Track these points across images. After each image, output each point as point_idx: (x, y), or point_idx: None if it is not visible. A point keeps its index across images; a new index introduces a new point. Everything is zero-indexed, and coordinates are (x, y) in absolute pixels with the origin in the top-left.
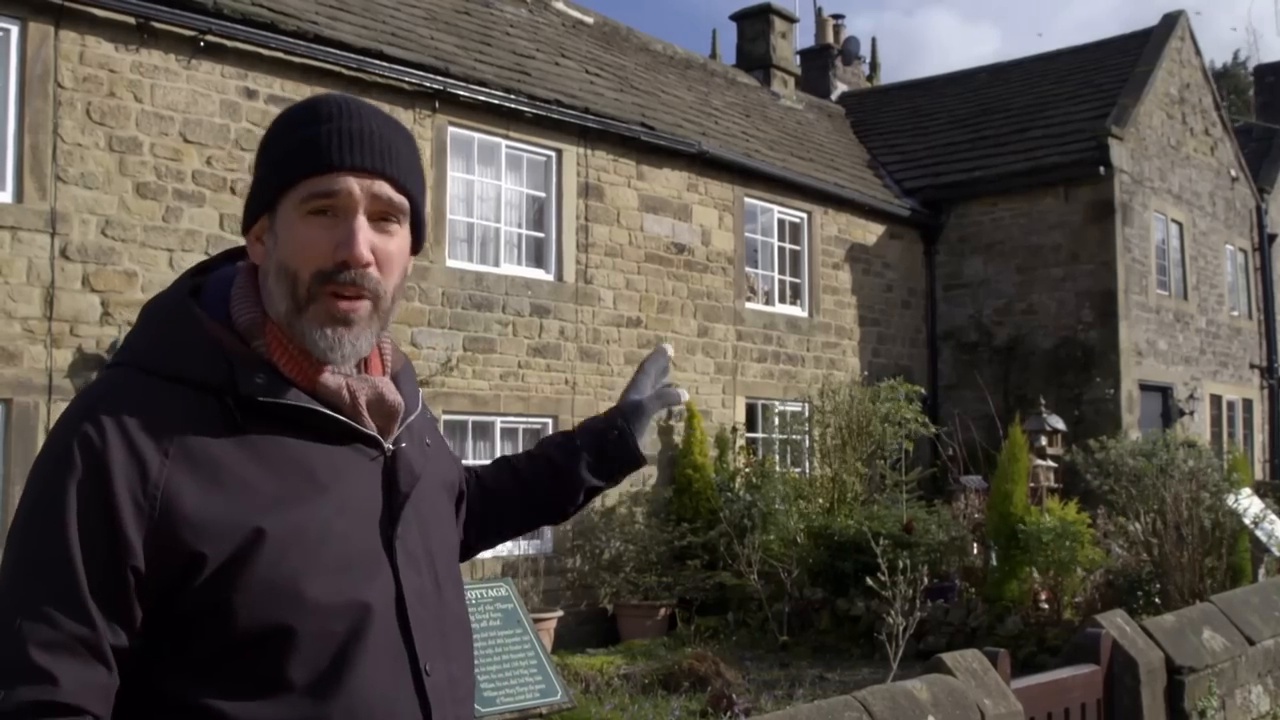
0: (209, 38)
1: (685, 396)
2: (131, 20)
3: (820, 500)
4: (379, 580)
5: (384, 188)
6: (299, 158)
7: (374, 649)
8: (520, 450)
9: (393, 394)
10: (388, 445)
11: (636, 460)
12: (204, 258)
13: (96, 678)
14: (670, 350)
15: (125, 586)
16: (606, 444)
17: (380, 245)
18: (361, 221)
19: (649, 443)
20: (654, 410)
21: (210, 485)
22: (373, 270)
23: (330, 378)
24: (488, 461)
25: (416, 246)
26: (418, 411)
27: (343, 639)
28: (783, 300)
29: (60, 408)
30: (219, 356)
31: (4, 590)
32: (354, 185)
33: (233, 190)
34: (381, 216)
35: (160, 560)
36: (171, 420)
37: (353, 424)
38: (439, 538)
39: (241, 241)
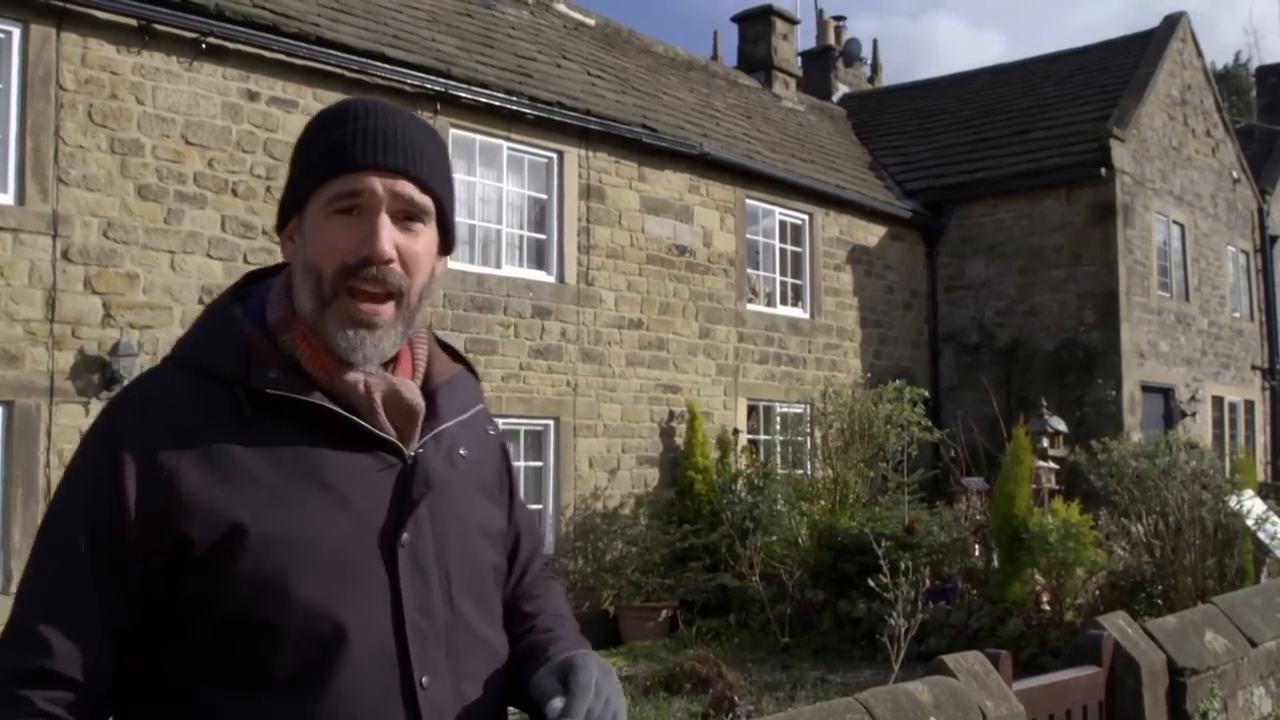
0: (210, 40)
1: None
2: (133, 22)
3: (822, 502)
4: (372, 585)
5: (407, 187)
6: (325, 158)
7: (361, 655)
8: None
9: (411, 395)
10: (408, 452)
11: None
12: (205, 260)
13: (91, 650)
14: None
15: (126, 566)
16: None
17: (405, 244)
18: (384, 219)
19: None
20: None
21: (212, 475)
22: (396, 266)
23: (349, 374)
24: None
25: (446, 247)
26: (454, 421)
27: (328, 640)
28: (784, 302)
29: (62, 410)
30: (241, 351)
31: (26, 569)
32: (377, 184)
33: (234, 192)
34: (406, 216)
35: (158, 542)
36: (190, 412)
37: (358, 421)
38: (461, 552)
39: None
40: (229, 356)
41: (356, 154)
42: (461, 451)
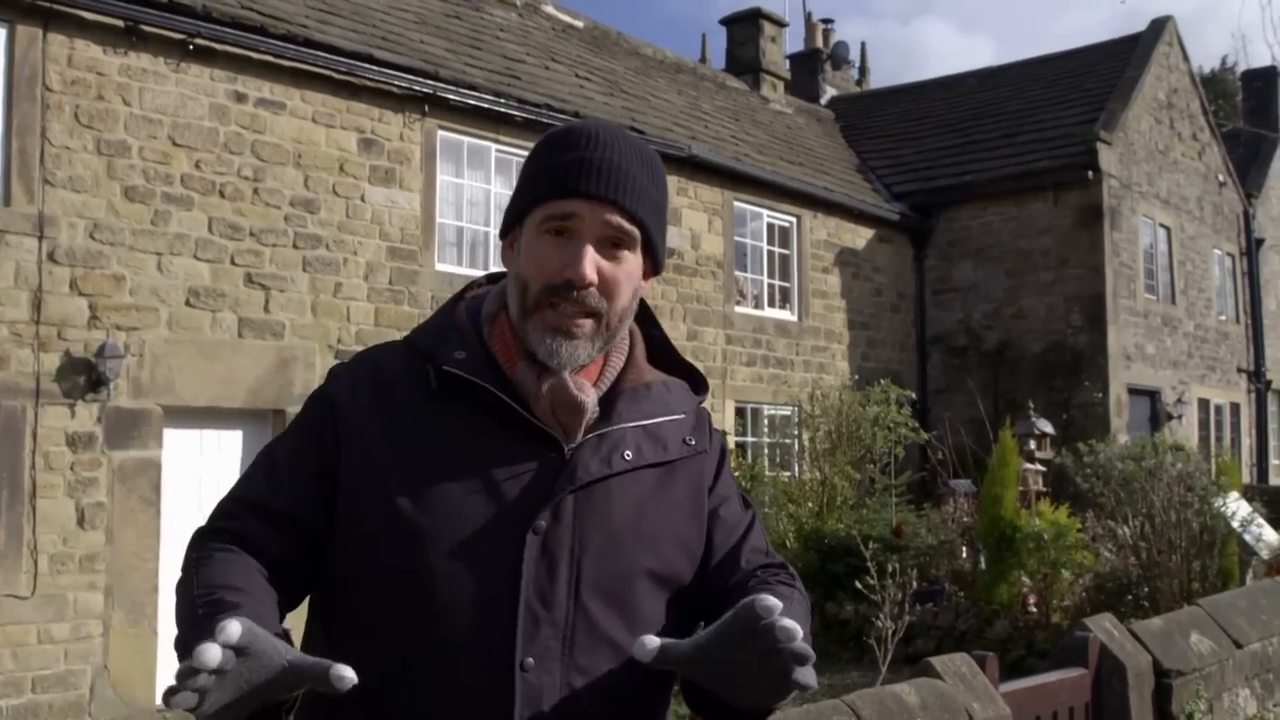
0: (198, 41)
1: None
2: (120, 23)
3: (810, 504)
4: (496, 564)
5: (615, 216)
6: (544, 180)
7: (466, 623)
8: None
9: (580, 392)
10: (568, 446)
11: None
12: (192, 261)
13: (268, 529)
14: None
15: (318, 476)
16: None
17: (608, 269)
18: (589, 245)
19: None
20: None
21: (388, 432)
22: (595, 290)
23: (527, 366)
24: None
25: (654, 269)
26: (627, 425)
27: (440, 603)
28: (772, 304)
29: (48, 411)
30: (444, 334)
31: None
32: (586, 211)
33: (221, 194)
34: (613, 242)
35: (341, 470)
36: (391, 378)
37: (518, 409)
38: (605, 550)
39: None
40: (433, 336)
41: (570, 180)
42: (627, 454)
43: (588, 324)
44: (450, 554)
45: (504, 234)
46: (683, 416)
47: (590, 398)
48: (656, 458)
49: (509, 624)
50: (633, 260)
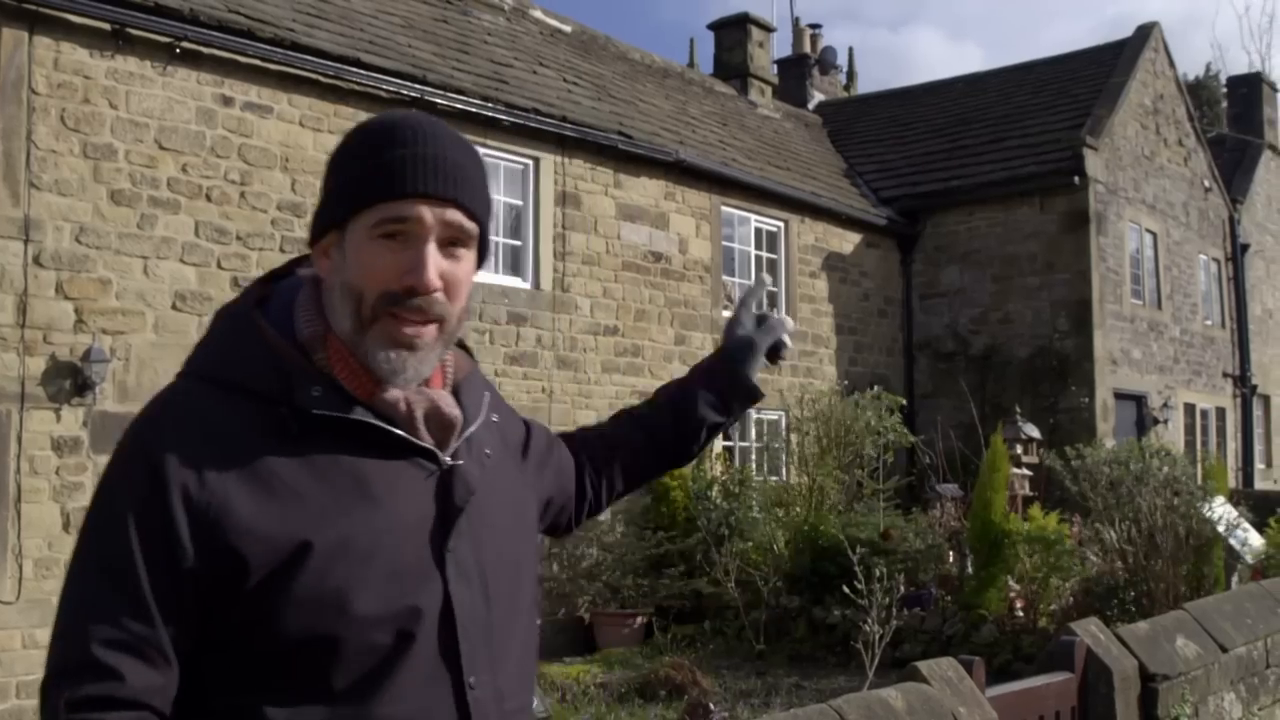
0: (185, 44)
1: (791, 324)
2: (106, 26)
3: (798, 508)
4: (427, 592)
5: (455, 215)
6: (374, 181)
7: (417, 660)
8: None
9: (450, 408)
10: (444, 459)
11: (753, 393)
12: (178, 265)
13: (158, 676)
14: (769, 280)
15: (184, 590)
16: (721, 382)
17: (448, 270)
18: (432, 248)
19: (759, 372)
20: (764, 342)
21: (263, 494)
22: (440, 295)
23: (389, 392)
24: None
25: (479, 264)
26: (478, 423)
27: (387, 649)
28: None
29: (32, 416)
30: (278, 367)
31: (70, 592)
32: (427, 213)
33: (208, 197)
34: (451, 242)
35: (213, 565)
36: (229, 429)
37: (409, 438)
38: (496, 551)
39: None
40: (268, 374)
41: (408, 180)
42: (487, 451)
43: (429, 333)
44: (386, 598)
45: (315, 239)
46: (489, 394)
47: (457, 409)
48: (501, 446)
49: (453, 648)
50: (470, 259)
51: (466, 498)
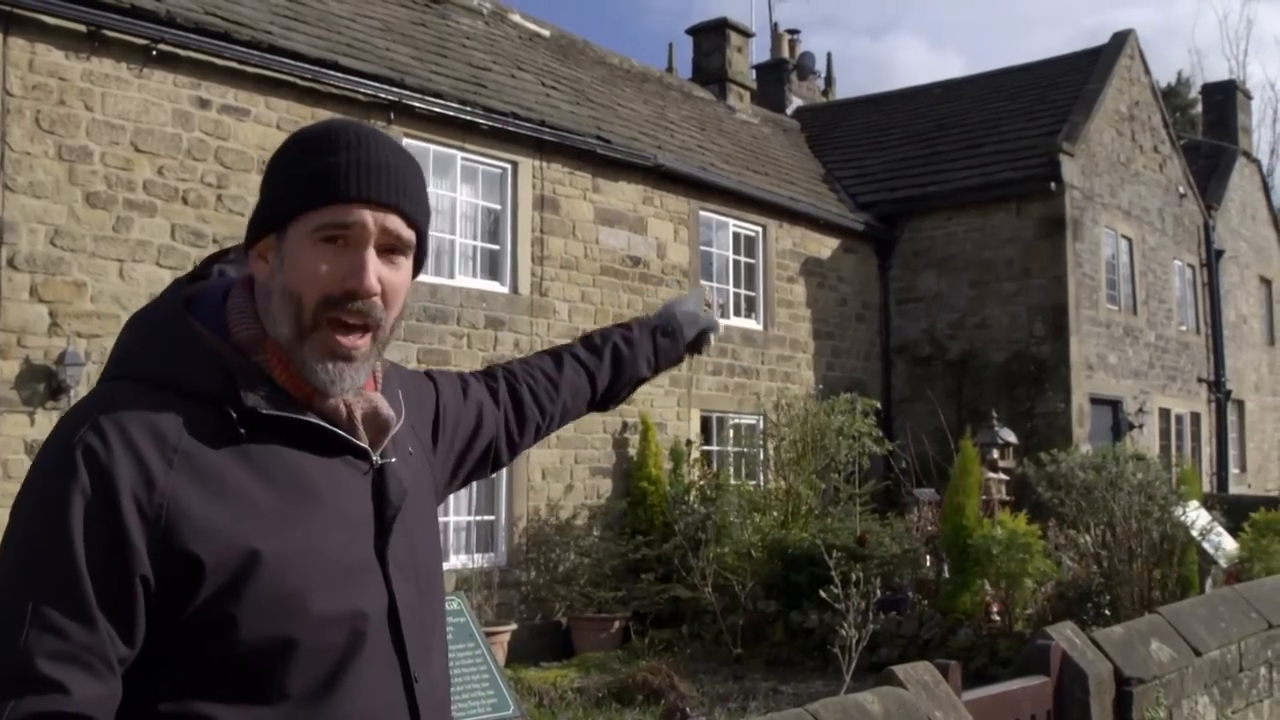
0: (161, 46)
1: (720, 328)
2: (82, 28)
3: (774, 513)
4: (373, 591)
5: (395, 221)
6: (315, 185)
7: (369, 658)
8: None
9: (386, 409)
10: (375, 458)
11: (680, 358)
12: (154, 268)
13: (104, 688)
14: (704, 292)
15: (132, 596)
16: (663, 346)
17: (387, 277)
18: (371, 253)
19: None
20: (702, 324)
21: (213, 497)
22: (378, 300)
23: (330, 399)
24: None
25: (415, 273)
26: (401, 422)
27: (341, 649)
28: (737, 313)
29: (6, 420)
30: (218, 368)
31: (6, 601)
32: (368, 218)
33: (184, 200)
34: (390, 249)
35: (165, 571)
36: (173, 430)
37: (349, 439)
38: (423, 546)
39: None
40: (211, 375)
41: (350, 185)
42: (410, 449)
43: (364, 343)
44: (338, 598)
45: (252, 242)
46: (401, 393)
47: (392, 411)
48: (418, 441)
49: (399, 645)
50: (406, 267)
51: (402, 496)
